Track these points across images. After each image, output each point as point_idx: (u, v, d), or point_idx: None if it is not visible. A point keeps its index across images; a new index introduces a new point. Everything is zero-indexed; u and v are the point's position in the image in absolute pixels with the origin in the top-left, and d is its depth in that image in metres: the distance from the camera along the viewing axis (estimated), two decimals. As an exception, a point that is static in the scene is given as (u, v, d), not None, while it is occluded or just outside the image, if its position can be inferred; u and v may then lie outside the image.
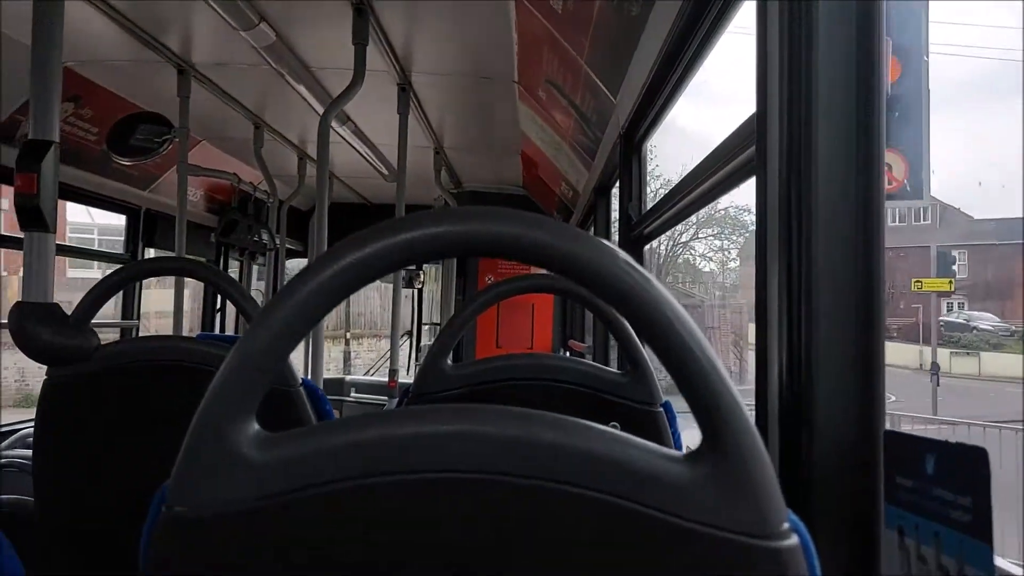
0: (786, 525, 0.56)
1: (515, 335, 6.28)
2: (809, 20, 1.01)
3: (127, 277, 1.62)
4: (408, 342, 7.44)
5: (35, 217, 1.87)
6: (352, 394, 5.69)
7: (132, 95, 3.79)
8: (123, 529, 1.43)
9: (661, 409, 1.55)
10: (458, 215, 0.56)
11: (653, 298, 0.56)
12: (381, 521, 0.56)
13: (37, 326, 1.48)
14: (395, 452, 0.56)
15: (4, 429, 3.42)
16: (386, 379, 4.34)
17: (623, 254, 0.57)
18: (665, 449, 0.57)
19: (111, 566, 1.45)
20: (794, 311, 1.03)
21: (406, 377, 5.63)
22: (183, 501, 0.56)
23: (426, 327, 7.83)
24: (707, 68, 2.03)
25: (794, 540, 0.56)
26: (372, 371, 7.55)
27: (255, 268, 6.14)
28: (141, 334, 4.64)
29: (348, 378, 6.11)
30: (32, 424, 3.38)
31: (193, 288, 5.57)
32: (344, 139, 4.34)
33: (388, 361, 4.36)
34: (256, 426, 0.57)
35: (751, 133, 1.25)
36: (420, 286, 7.36)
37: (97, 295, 1.51)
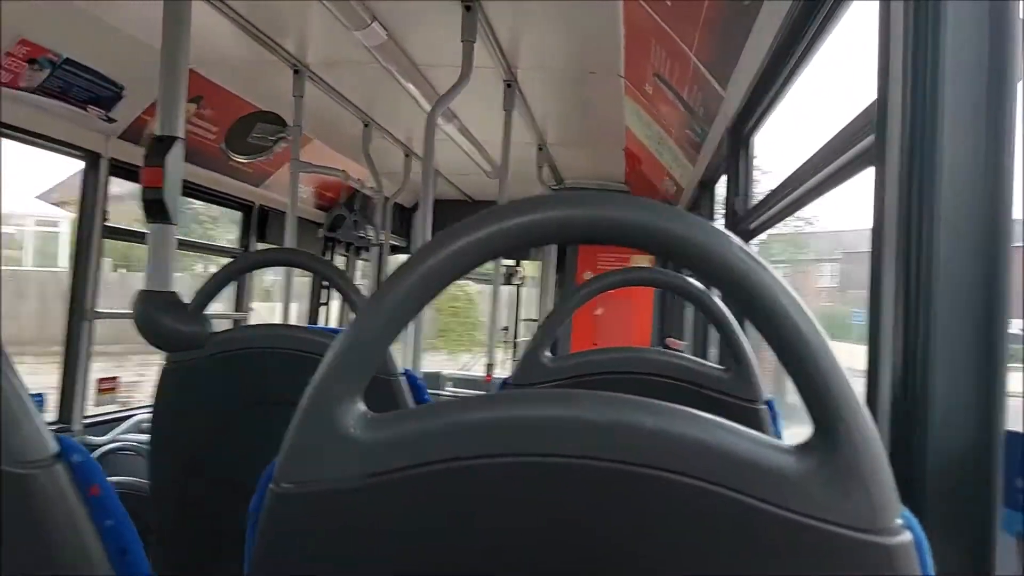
0: (899, 521, 0.54)
1: (612, 332, 6.23)
2: (936, 3, 0.96)
3: (241, 268, 1.69)
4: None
5: (159, 210, 1.98)
6: (448, 388, 5.77)
7: (249, 95, 3.94)
8: (232, 509, 1.50)
9: (764, 406, 1.51)
10: (570, 200, 0.56)
11: (768, 284, 0.54)
12: (481, 502, 0.57)
13: (159, 314, 1.57)
14: (496, 435, 0.56)
15: (120, 414, 3.61)
16: (483, 374, 4.39)
17: (737, 239, 0.56)
18: (773, 440, 0.56)
19: (221, 546, 1.52)
20: (911, 307, 0.99)
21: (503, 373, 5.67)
22: (291, 478, 0.57)
23: (523, 323, 7.86)
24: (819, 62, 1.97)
25: (907, 536, 0.54)
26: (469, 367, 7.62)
27: (359, 264, 6.30)
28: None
29: (445, 372, 6.20)
30: (144, 410, 3.58)
31: (297, 287, 5.76)
32: (449, 136, 4.40)
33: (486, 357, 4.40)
34: (362, 407, 0.58)
35: (869, 122, 1.20)
36: (519, 283, 7.40)
37: (213, 285, 1.58)
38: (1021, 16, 0.98)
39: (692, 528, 0.55)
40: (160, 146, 1.98)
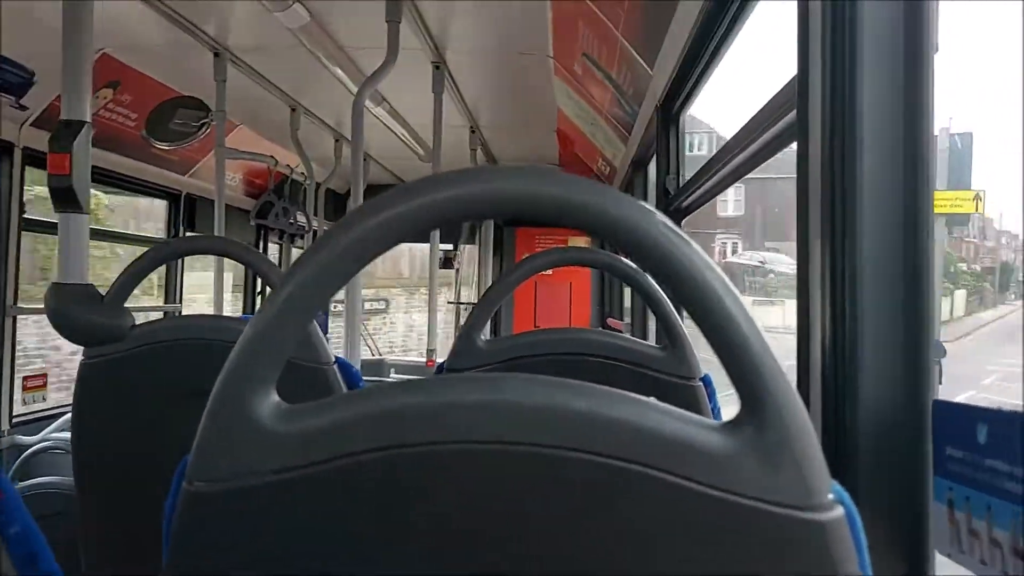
0: (831, 496, 0.54)
1: (552, 314, 6.26)
2: None
3: (161, 257, 1.63)
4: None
5: (68, 198, 1.89)
6: (392, 375, 5.73)
7: (170, 80, 3.82)
8: (157, 507, 1.45)
9: (700, 383, 1.52)
10: (487, 173, 0.54)
11: (692, 260, 0.53)
12: (404, 493, 0.55)
13: (73, 307, 1.50)
14: (419, 423, 0.54)
15: (51, 412, 3.49)
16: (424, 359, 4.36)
17: (660, 215, 0.55)
18: (701, 418, 0.55)
19: (147, 541, 1.47)
20: (838, 279, 1.00)
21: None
22: (202, 476, 0.55)
23: (464, 307, 7.84)
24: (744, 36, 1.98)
25: (839, 512, 0.54)
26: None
27: (294, 251, 6.19)
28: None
29: (389, 359, 6.15)
30: None
31: (236, 275, 5.64)
32: (379, 120, 4.34)
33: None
34: (276, 398, 0.56)
35: (791, 97, 1.21)
36: (458, 266, 7.37)
37: (132, 275, 1.52)
38: (935, -12, 0.99)
39: (624, 510, 0.53)
40: (66, 131, 1.90)
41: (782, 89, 1.34)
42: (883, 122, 0.97)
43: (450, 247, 6.90)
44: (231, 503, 0.54)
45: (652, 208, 0.56)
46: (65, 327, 1.52)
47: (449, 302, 7.28)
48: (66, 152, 1.86)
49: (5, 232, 3.18)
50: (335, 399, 0.56)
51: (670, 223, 0.55)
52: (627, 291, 4.95)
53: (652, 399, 0.55)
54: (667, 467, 0.53)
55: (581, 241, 6.25)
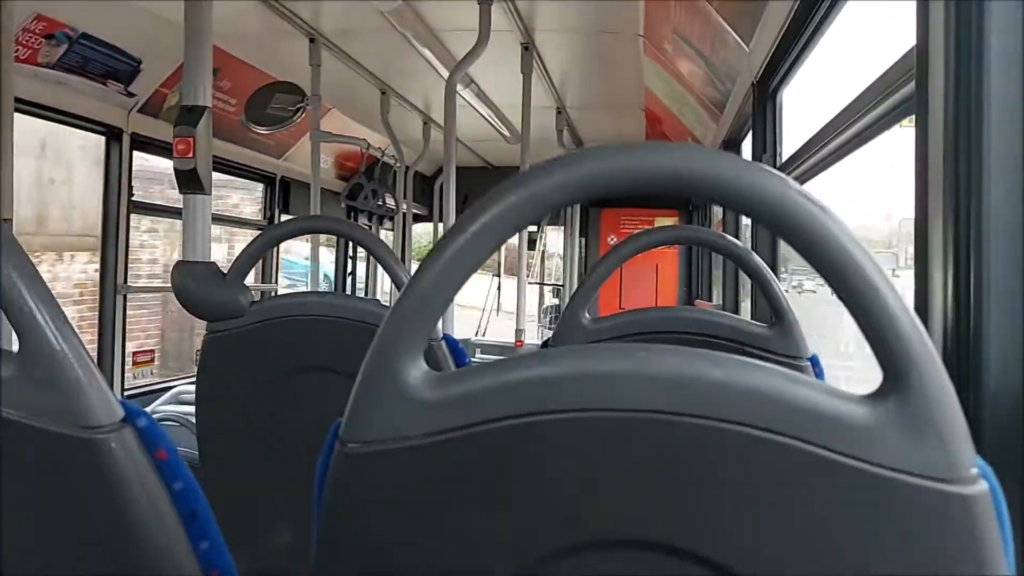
0: (975, 470, 0.53)
1: (638, 295, 6.21)
2: None
3: (277, 236, 1.70)
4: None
5: (192, 180, 1.98)
6: (478, 355, 5.79)
7: (266, 66, 3.92)
8: (281, 474, 1.52)
9: (808, 362, 1.49)
10: (631, 150, 0.55)
11: (830, 229, 0.53)
12: (548, 458, 0.56)
13: (197, 284, 1.57)
14: (562, 391, 0.55)
15: (159, 386, 3.66)
16: (512, 340, 4.39)
17: (796, 185, 0.54)
18: (840, 389, 0.55)
19: (271, 507, 1.54)
20: (962, 259, 0.97)
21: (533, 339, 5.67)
22: (357, 438, 0.57)
23: (547, 288, 7.86)
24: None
25: (984, 486, 0.53)
26: (482, 329, 7.62)
27: (383, 233, 6.30)
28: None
29: (474, 339, 6.21)
30: (183, 382, 3.62)
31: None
32: (467, 102, 4.37)
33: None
34: (425, 366, 0.58)
35: (909, 69, 1.17)
36: (543, 248, 7.38)
37: (251, 254, 1.58)
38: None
39: (764, 481, 0.54)
40: (189, 116, 1.98)
41: (897, 61, 1.30)
42: (1014, 92, 0.94)
43: (534, 228, 6.91)
44: (383, 463, 0.57)
45: (790, 179, 0.55)
46: (190, 303, 1.59)
47: (533, 282, 7.31)
48: (190, 136, 1.94)
49: (116, 214, 3.33)
50: (478, 367, 0.58)
51: (806, 192, 0.54)
52: (716, 272, 4.87)
53: (791, 371, 0.55)
54: (808, 437, 0.53)
55: (668, 221, 6.18)
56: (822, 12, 1.95)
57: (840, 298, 0.54)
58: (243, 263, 1.56)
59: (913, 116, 1.14)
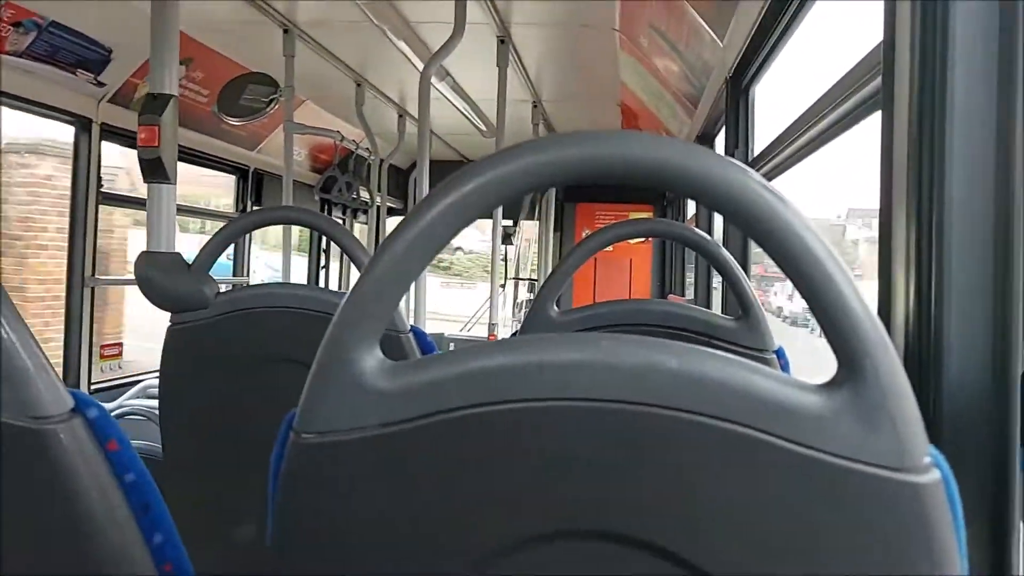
0: (927, 459, 0.54)
1: (612, 290, 6.24)
2: None
3: (243, 227, 1.68)
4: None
5: (157, 169, 1.96)
6: (450, 348, 5.77)
7: (239, 56, 3.89)
8: (243, 464, 1.50)
9: (774, 355, 1.50)
10: (590, 138, 0.55)
11: (789, 220, 0.53)
12: (504, 449, 0.56)
13: (161, 275, 1.55)
14: (519, 380, 0.55)
15: (126, 380, 3.62)
16: (484, 334, 4.39)
17: (756, 175, 0.55)
18: (796, 379, 0.55)
19: (235, 502, 1.52)
20: (923, 254, 0.98)
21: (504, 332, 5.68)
22: (311, 428, 0.57)
23: (522, 283, 7.86)
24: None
25: (936, 475, 0.53)
26: (468, 327, 7.64)
27: (356, 226, 6.27)
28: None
29: (447, 333, 6.20)
30: (151, 375, 3.58)
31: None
32: (442, 95, 4.35)
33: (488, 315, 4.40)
34: (380, 355, 0.57)
35: (875, 65, 1.18)
36: (517, 242, 7.38)
37: (216, 244, 1.56)
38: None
39: (719, 471, 0.54)
40: (155, 104, 1.96)
41: (866, 56, 1.31)
42: (977, 90, 0.95)
43: (510, 223, 6.91)
44: (338, 454, 0.56)
45: (747, 167, 0.56)
46: (154, 294, 1.57)
47: (511, 278, 7.31)
48: (155, 124, 1.92)
49: (84, 205, 3.29)
50: (436, 357, 0.57)
51: (766, 182, 0.55)
52: (689, 266, 4.89)
53: (748, 360, 0.56)
54: (762, 426, 0.53)
55: (642, 215, 6.21)
56: (793, 9, 1.96)
57: (796, 287, 0.54)
58: (208, 254, 1.54)
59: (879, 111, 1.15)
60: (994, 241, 0.94)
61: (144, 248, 1.93)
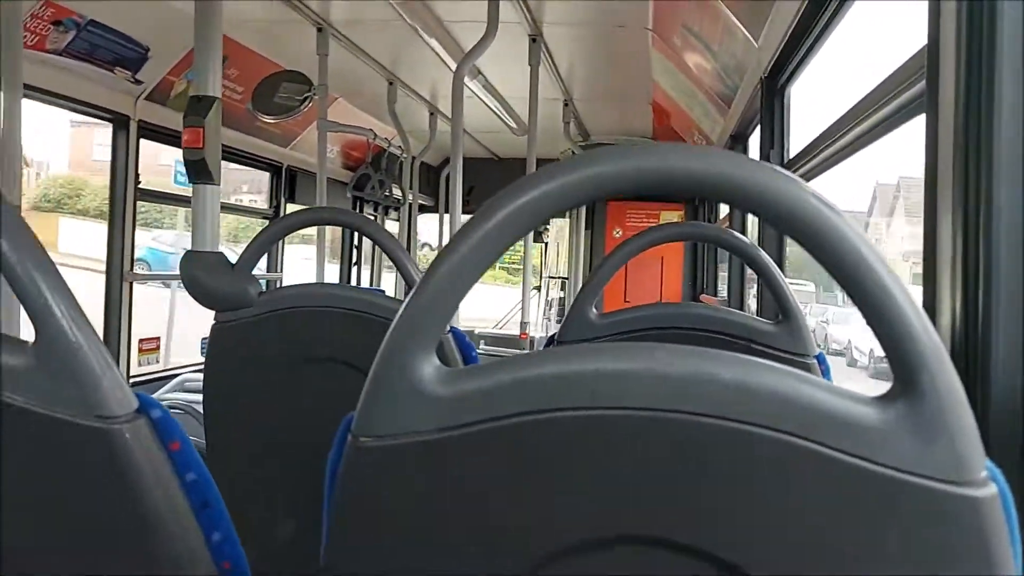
0: (984, 473, 0.53)
1: (643, 290, 6.21)
2: None
3: (287, 226, 1.70)
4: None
5: (202, 170, 1.99)
6: (482, 346, 5.80)
7: (274, 55, 3.92)
8: (287, 462, 1.52)
9: (815, 360, 1.49)
10: (648, 151, 0.55)
11: (843, 231, 0.53)
12: (557, 457, 0.57)
13: (206, 274, 1.58)
14: (570, 388, 0.56)
15: (164, 374, 3.67)
16: (516, 332, 4.39)
17: (809, 186, 0.55)
18: (852, 391, 0.55)
19: (277, 497, 1.54)
20: (971, 261, 0.97)
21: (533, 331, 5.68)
22: (369, 432, 0.58)
23: (553, 280, 7.86)
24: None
25: (993, 489, 0.53)
26: (501, 324, 7.65)
27: (388, 223, 6.31)
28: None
29: (477, 330, 6.22)
30: (188, 370, 3.63)
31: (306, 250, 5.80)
32: (474, 93, 4.36)
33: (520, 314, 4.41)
34: (437, 362, 0.58)
35: (919, 67, 1.17)
36: (547, 240, 7.38)
37: (260, 244, 1.59)
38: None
39: (773, 482, 0.54)
40: (199, 106, 1.99)
41: (909, 59, 1.29)
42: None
43: (540, 220, 6.89)
44: (395, 458, 0.57)
45: (803, 182, 0.56)
46: (198, 293, 1.60)
47: (548, 276, 7.32)
48: (199, 126, 1.95)
49: (123, 201, 3.34)
50: (491, 365, 0.58)
51: (821, 195, 0.55)
52: (722, 265, 4.86)
53: (801, 372, 0.56)
54: (819, 439, 0.53)
55: (672, 216, 6.18)
56: (831, 9, 1.95)
57: (852, 299, 0.54)
58: (252, 253, 1.57)
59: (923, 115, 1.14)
60: None
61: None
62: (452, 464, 0.57)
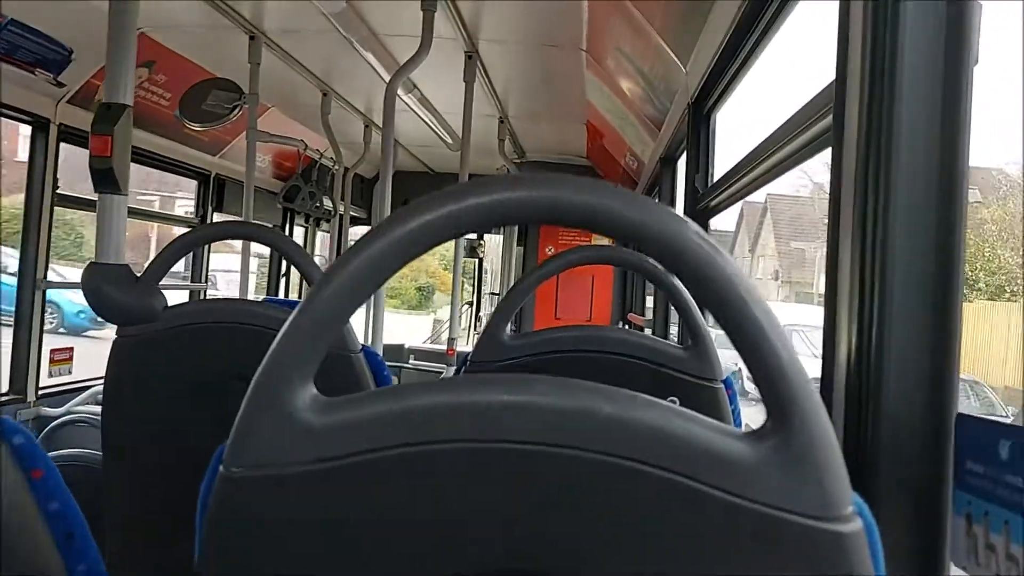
0: (851, 508, 0.55)
1: (574, 307, 6.26)
2: None
3: (193, 241, 1.66)
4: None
5: (108, 179, 1.92)
6: (411, 361, 5.76)
7: (204, 61, 3.85)
8: (185, 488, 1.47)
9: (722, 385, 1.52)
10: (527, 181, 0.55)
11: (723, 271, 0.54)
12: (435, 488, 0.56)
13: (109, 287, 1.53)
14: (450, 420, 0.55)
15: (78, 385, 3.55)
16: (445, 347, 4.38)
17: (694, 225, 0.56)
18: (727, 426, 0.56)
19: (172, 519, 1.50)
20: (867, 289, 1.00)
21: (465, 346, 5.67)
22: (240, 462, 0.56)
23: (486, 297, 7.87)
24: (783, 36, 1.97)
25: (858, 524, 0.54)
26: (432, 339, 7.62)
27: (319, 235, 6.24)
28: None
29: (408, 345, 6.18)
30: (101, 382, 3.51)
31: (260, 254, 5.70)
32: (410, 107, 4.35)
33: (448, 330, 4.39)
34: (314, 390, 0.57)
35: (828, 102, 1.21)
36: (482, 255, 7.39)
37: (166, 257, 1.54)
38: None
39: (647, 516, 0.54)
40: (108, 113, 1.93)
41: (819, 93, 1.33)
42: (920, 133, 0.97)
43: (474, 235, 6.92)
44: (266, 490, 0.56)
45: (685, 218, 0.57)
46: (100, 306, 1.55)
47: (491, 293, 7.31)
48: (107, 135, 1.89)
49: (39, 206, 3.23)
50: (370, 394, 0.57)
51: (703, 233, 0.56)
52: (650, 288, 4.93)
53: (679, 406, 0.56)
54: (691, 473, 0.54)
55: (604, 239, 6.25)
56: (754, 39, 2.00)
57: (729, 337, 0.55)
58: (157, 267, 1.52)
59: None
60: (935, 286, 0.96)
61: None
62: (327, 496, 0.56)
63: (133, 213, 4.04)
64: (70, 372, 3.53)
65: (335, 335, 0.56)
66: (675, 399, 1.55)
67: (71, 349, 3.55)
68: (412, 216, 0.55)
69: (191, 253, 4.46)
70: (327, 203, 5.53)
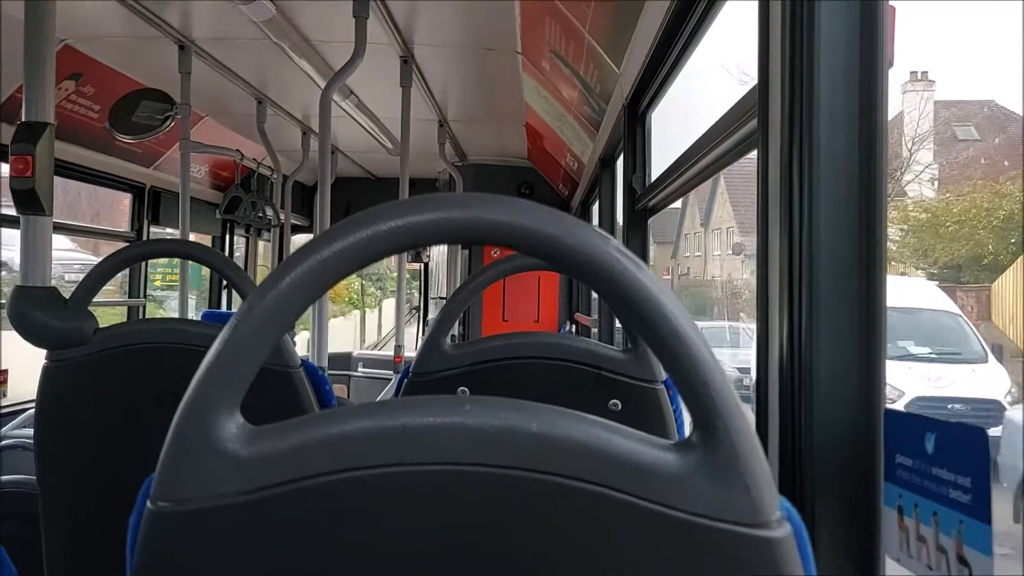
0: (779, 513, 0.56)
1: (521, 310, 6.27)
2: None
3: (124, 260, 1.62)
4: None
5: (31, 200, 1.85)
6: (359, 369, 5.71)
7: (134, 72, 3.76)
8: (121, 515, 1.44)
9: (662, 386, 1.54)
10: (449, 201, 0.55)
11: (644, 285, 0.55)
12: (368, 514, 0.55)
13: (37, 311, 1.48)
14: (380, 445, 0.55)
15: (11, 409, 3.44)
16: (392, 354, 4.35)
17: (614, 240, 0.56)
18: (655, 438, 0.56)
19: (109, 546, 1.46)
20: (795, 288, 1.02)
21: (413, 351, 5.64)
22: (167, 496, 0.55)
23: (433, 301, 7.84)
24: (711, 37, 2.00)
25: (786, 529, 0.55)
26: (381, 345, 7.57)
27: (261, 244, 6.15)
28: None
29: (355, 353, 6.13)
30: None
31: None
32: (348, 113, 4.31)
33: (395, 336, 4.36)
34: (241, 419, 0.56)
35: (753, 105, 1.23)
36: (427, 260, 7.36)
37: (95, 278, 1.50)
38: (889, 3, 1.02)
39: (579, 530, 0.55)
40: (28, 132, 1.86)
41: (745, 95, 1.35)
42: (840, 135, 0.99)
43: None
44: (193, 525, 0.55)
45: (605, 234, 0.57)
46: (27, 330, 1.50)
47: (434, 298, 7.29)
48: (28, 154, 1.82)
49: None
50: (298, 421, 0.56)
51: (623, 248, 0.56)
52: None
53: (621, 409, 0.57)
54: (619, 486, 0.54)
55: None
56: (684, 40, 2.02)
57: (653, 350, 0.56)
58: (86, 289, 1.48)
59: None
60: (860, 284, 0.98)
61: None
62: (258, 527, 0.55)
63: (61, 229, 3.94)
64: (4, 396, 3.42)
65: (265, 356, 0.55)
66: (617, 402, 1.57)
67: (5, 372, 3.43)
68: (331, 241, 0.55)
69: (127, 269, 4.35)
70: (269, 212, 5.45)
